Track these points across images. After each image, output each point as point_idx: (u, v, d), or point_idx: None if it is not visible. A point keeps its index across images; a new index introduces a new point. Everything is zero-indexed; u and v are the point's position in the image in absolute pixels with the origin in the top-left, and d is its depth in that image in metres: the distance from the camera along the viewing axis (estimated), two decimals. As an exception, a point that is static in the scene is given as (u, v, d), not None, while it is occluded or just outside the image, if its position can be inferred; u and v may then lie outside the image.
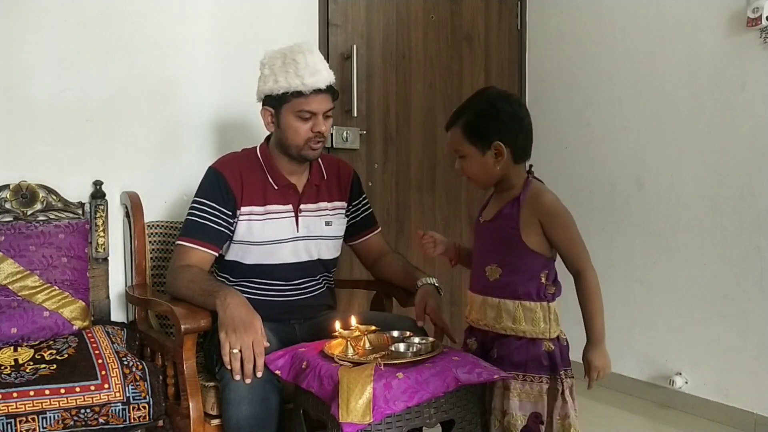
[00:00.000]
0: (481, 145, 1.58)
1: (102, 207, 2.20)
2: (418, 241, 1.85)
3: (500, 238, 1.60)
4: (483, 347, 1.66)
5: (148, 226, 2.18)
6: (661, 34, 2.78)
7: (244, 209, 1.89)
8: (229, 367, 1.59)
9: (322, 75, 1.84)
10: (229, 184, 1.87)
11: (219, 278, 1.96)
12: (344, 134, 2.78)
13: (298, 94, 1.82)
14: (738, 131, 2.53)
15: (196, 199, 1.89)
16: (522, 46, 3.35)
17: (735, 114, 2.54)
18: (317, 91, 1.83)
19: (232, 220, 1.88)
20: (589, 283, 1.56)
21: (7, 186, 2.08)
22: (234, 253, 1.92)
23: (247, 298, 1.89)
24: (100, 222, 2.19)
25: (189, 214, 1.89)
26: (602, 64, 3.02)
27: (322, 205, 2.00)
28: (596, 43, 3.05)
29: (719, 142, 2.59)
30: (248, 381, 1.58)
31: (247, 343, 1.58)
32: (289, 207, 1.94)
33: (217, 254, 1.89)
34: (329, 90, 1.86)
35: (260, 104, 1.94)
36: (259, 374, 1.58)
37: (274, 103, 1.87)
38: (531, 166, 1.66)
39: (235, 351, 1.58)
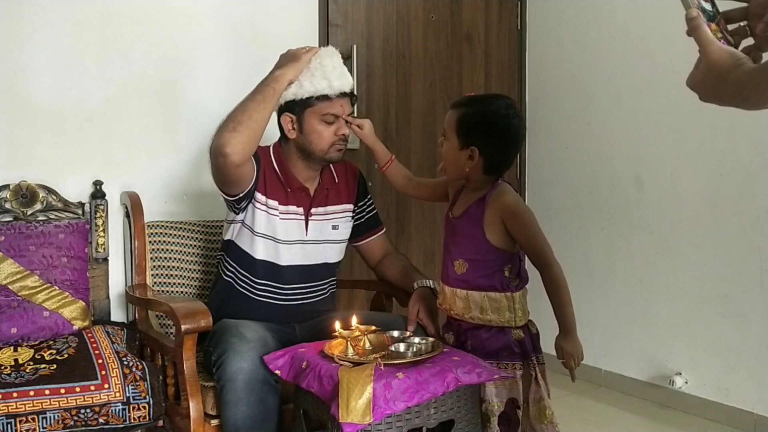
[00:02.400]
0: (461, 142, 1.64)
1: (102, 207, 2.20)
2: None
3: (466, 235, 1.67)
4: (458, 339, 1.71)
5: (148, 226, 2.18)
6: (661, 34, 2.78)
7: (259, 196, 1.87)
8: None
9: (348, 79, 1.88)
10: (261, 161, 1.88)
11: (228, 266, 1.95)
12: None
13: (324, 97, 1.83)
14: (738, 131, 2.53)
15: None
16: (522, 46, 3.35)
17: (735, 114, 2.52)
18: (341, 95, 1.85)
19: (255, 177, 1.85)
20: (555, 276, 1.61)
21: (7, 186, 2.08)
22: (246, 243, 1.91)
23: (251, 298, 1.90)
24: (100, 222, 2.19)
25: None
26: (602, 64, 3.02)
27: (330, 208, 1.99)
28: (596, 43, 3.05)
29: (719, 142, 2.59)
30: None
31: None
32: (300, 210, 1.93)
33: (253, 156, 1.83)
34: (350, 94, 1.90)
35: (275, 112, 1.91)
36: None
37: (297, 108, 1.86)
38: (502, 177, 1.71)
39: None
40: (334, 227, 1.99)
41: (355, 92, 1.94)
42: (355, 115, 1.96)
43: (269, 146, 1.98)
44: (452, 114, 1.67)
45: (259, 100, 1.75)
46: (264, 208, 1.89)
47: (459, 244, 1.69)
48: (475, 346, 1.64)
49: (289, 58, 1.84)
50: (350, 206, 2.05)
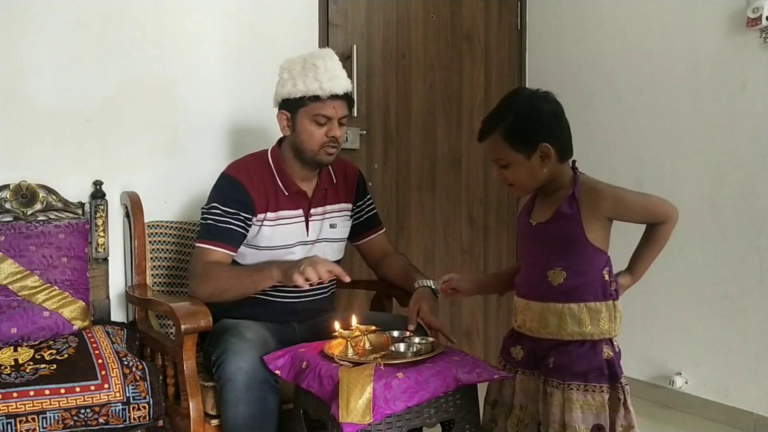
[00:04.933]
0: (526, 150, 1.49)
1: (102, 207, 2.20)
2: (443, 291, 1.76)
3: (563, 239, 1.51)
4: (533, 355, 1.55)
5: (148, 226, 2.18)
6: (661, 34, 2.78)
7: (259, 215, 1.89)
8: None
9: (340, 81, 1.86)
10: (247, 190, 1.87)
11: None
12: (344, 134, 2.77)
13: (315, 98, 1.83)
14: (738, 131, 2.53)
15: (214, 204, 1.87)
16: (522, 46, 3.35)
17: (735, 114, 2.54)
18: (334, 97, 1.85)
19: (249, 224, 1.88)
20: (666, 233, 1.58)
21: (7, 186, 2.08)
22: (242, 257, 1.92)
23: (251, 297, 1.91)
24: (100, 222, 2.19)
25: (205, 217, 1.88)
26: (602, 64, 3.02)
27: (329, 207, 2.00)
28: (596, 43, 3.05)
29: (719, 142, 2.59)
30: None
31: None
32: (300, 212, 1.94)
33: (234, 254, 1.89)
34: (345, 97, 1.88)
35: (276, 108, 1.94)
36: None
37: (291, 106, 1.87)
38: (574, 161, 1.59)
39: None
40: (332, 226, 1.99)
41: (352, 94, 1.93)
42: (348, 116, 1.94)
43: (266, 151, 1.98)
44: (494, 139, 1.51)
45: (241, 292, 1.81)
46: (263, 224, 1.89)
47: (553, 251, 1.52)
48: (560, 365, 1.48)
49: (293, 266, 1.72)
50: (348, 205, 2.06)
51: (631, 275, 1.58)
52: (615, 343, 1.53)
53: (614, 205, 1.51)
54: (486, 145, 1.54)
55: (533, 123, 1.49)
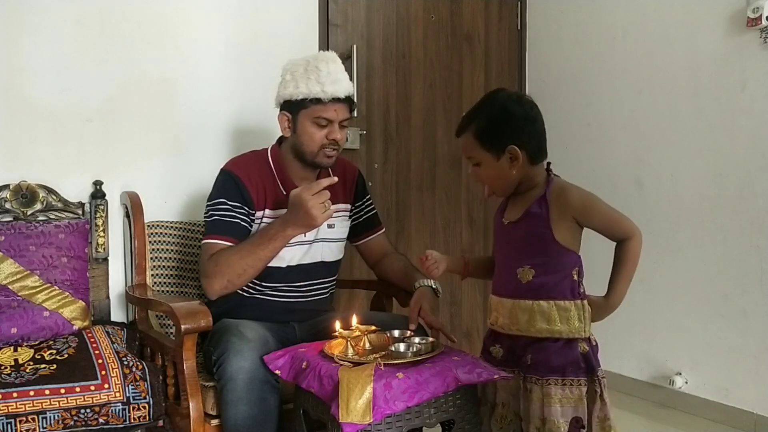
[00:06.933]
0: (495, 151, 1.53)
1: (102, 207, 2.20)
2: (422, 265, 1.74)
3: (531, 238, 1.55)
4: (512, 353, 1.59)
5: (148, 226, 2.18)
6: (661, 34, 2.78)
7: (258, 213, 1.89)
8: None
9: (342, 85, 1.86)
10: (246, 186, 1.88)
11: None
12: (345, 136, 2.77)
13: (317, 101, 1.83)
14: (738, 131, 2.53)
15: (221, 200, 1.87)
16: (522, 46, 3.35)
17: (735, 114, 2.54)
18: (335, 100, 1.85)
19: (252, 219, 1.89)
20: (634, 249, 1.54)
21: (7, 186, 2.08)
22: None
23: (250, 297, 1.90)
24: (100, 222, 2.19)
25: (211, 214, 1.87)
26: (602, 64, 3.02)
27: None
28: (596, 43, 3.05)
29: (719, 142, 2.59)
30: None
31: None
32: None
33: None
34: (347, 100, 1.88)
35: (278, 109, 1.94)
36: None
37: (293, 108, 1.88)
38: (549, 163, 1.61)
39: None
40: (330, 226, 1.99)
41: (354, 97, 1.92)
42: (350, 118, 1.95)
43: (266, 150, 1.98)
44: (466, 137, 1.56)
45: (262, 257, 1.79)
46: (262, 221, 1.89)
47: (522, 249, 1.56)
48: (537, 361, 1.52)
49: (301, 217, 1.74)
50: (347, 206, 2.06)
51: (604, 298, 1.57)
52: (591, 337, 1.56)
53: (582, 207, 1.54)
54: (461, 141, 1.60)
55: (503, 125, 1.53)
